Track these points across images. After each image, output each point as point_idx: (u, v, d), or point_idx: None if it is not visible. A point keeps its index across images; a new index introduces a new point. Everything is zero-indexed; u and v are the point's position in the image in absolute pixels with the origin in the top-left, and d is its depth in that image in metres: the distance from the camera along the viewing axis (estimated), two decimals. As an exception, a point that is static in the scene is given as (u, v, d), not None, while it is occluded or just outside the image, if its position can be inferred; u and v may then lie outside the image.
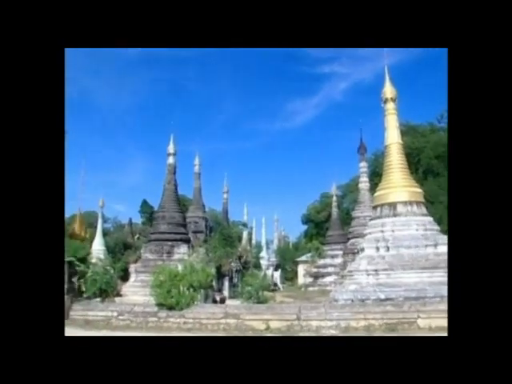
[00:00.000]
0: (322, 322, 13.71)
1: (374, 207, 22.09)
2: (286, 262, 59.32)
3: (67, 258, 17.83)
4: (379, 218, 21.06)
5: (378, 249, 19.85)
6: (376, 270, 18.95)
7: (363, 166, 38.36)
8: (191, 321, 14.62)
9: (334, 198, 45.43)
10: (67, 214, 59.04)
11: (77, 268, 18.14)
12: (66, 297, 16.50)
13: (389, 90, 21.97)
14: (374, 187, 29.24)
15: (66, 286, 16.70)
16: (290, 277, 56.90)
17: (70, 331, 14.52)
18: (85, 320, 15.90)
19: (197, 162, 42.29)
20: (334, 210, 44.55)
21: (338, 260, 38.49)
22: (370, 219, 22.52)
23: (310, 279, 42.06)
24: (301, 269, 50.83)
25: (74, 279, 17.63)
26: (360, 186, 38.62)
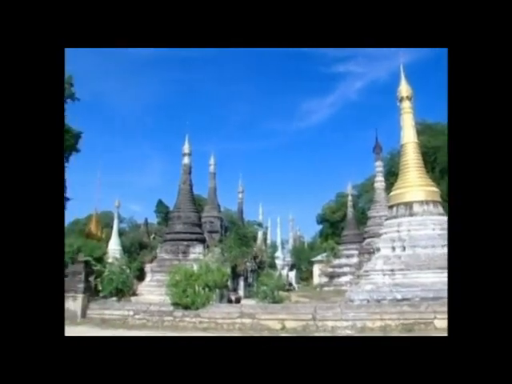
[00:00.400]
0: (338, 323, 13.65)
1: (390, 207, 21.92)
2: (301, 261, 59.22)
3: (84, 258, 18.01)
4: (395, 217, 20.89)
5: (394, 248, 19.70)
6: (392, 270, 18.81)
7: (379, 166, 38.11)
8: (206, 320, 14.64)
9: (350, 198, 45.22)
10: (84, 215, 59.61)
11: (93, 267, 18.27)
12: (82, 296, 16.68)
13: (404, 89, 21.79)
14: (389, 187, 29.05)
15: (82, 285, 16.87)
16: (305, 277, 56.78)
17: (86, 330, 14.76)
18: (101, 319, 16.04)
19: (212, 161, 42.35)
20: (350, 210, 44.35)
21: (354, 260, 38.30)
22: (386, 219, 22.35)
23: (325, 279, 41.97)
24: (316, 269, 50.76)
25: (91, 278, 17.74)
26: (376, 185, 38.38)
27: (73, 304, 16.70)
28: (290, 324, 13.90)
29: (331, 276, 40.60)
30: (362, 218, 45.11)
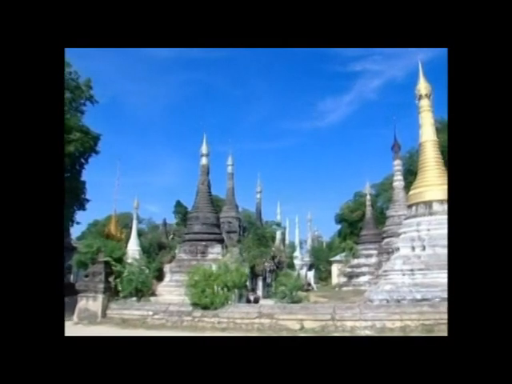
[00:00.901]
0: (357, 323, 13.57)
1: (409, 206, 21.72)
2: (320, 261, 59.06)
3: (104, 258, 18.15)
4: (414, 216, 20.70)
5: (413, 248, 19.53)
6: (412, 270, 18.64)
7: (397, 164, 37.82)
8: (225, 320, 14.67)
9: (368, 197, 44.95)
10: (103, 216, 60.24)
11: (113, 268, 18.39)
12: (102, 296, 16.84)
13: (423, 87, 21.56)
14: (408, 186, 28.78)
15: (102, 286, 17.03)
16: (323, 277, 56.62)
17: (106, 330, 14.90)
18: (121, 319, 16.18)
19: (230, 162, 42.37)
20: (368, 209, 44.09)
21: (373, 260, 38.09)
22: (405, 218, 22.16)
23: (343, 279, 41.82)
24: (335, 268, 50.60)
25: (111, 279, 17.88)
26: (394, 184, 38.09)
27: (93, 304, 16.88)
28: (308, 324, 13.86)
29: (350, 276, 40.43)
30: (381, 218, 44.79)
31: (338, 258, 50.74)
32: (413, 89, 22.03)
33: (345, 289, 37.84)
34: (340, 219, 66.43)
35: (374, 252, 38.25)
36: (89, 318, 16.54)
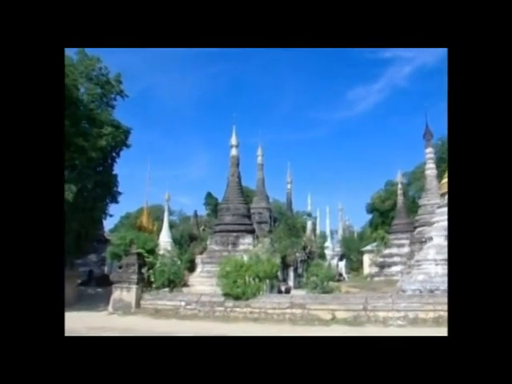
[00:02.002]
0: (390, 313, 13.51)
1: (442, 194, 21.41)
2: (351, 251, 58.72)
3: (136, 250, 18.47)
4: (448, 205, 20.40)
5: (446, 237, 19.26)
6: (445, 260, 18.39)
7: (429, 152, 37.12)
8: (257, 311, 14.80)
9: (400, 186, 44.36)
10: (135, 208, 61.06)
11: (146, 259, 18.72)
12: (136, 287, 17.16)
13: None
14: (441, 174, 28.33)
15: (136, 277, 17.35)
16: (355, 267, 56.32)
17: (140, 320, 15.20)
18: (154, 309, 16.48)
19: (260, 152, 42.29)
20: (400, 199, 43.54)
21: (405, 249, 37.64)
22: (438, 207, 21.85)
23: (375, 269, 41.42)
24: (366, 259, 50.24)
25: (144, 270, 18.21)
26: (426, 172, 37.44)
27: (127, 295, 17.23)
28: (340, 314, 13.87)
29: (382, 266, 40.08)
30: (413, 207, 44.15)
31: (369, 247, 50.37)
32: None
33: (376, 279, 37.58)
34: (371, 209, 65.84)
35: (406, 242, 37.78)
36: (123, 309, 16.90)
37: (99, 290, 25.98)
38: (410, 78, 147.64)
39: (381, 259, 41.19)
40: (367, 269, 47.68)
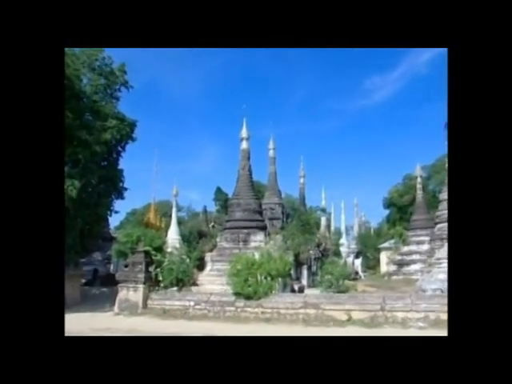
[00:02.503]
0: (409, 314, 13.37)
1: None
2: (368, 249, 58.50)
3: (143, 248, 18.45)
4: (470, 200, 20.13)
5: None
6: (467, 257, 18.18)
7: (451, 144, 36.75)
8: (269, 311, 14.74)
9: (419, 180, 43.90)
10: (141, 204, 61.33)
11: (153, 257, 18.69)
12: (143, 286, 17.15)
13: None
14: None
15: (143, 276, 17.35)
16: (371, 265, 56.12)
17: (147, 320, 15.19)
18: (162, 309, 16.47)
19: (271, 145, 42.09)
20: (419, 193, 43.13)
21: (425, 247, 37.34)
22: (460, 202, 21.56)
23: (393, 267, 41.17)
24: (383, 256, 50.00)
25: (151, 268, 18.18)
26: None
27: (134, 294, 17.23)
28: (356, 315, 13.76)
29: (400, 264, 39.82)
30: (433, 202, 43.78)
31: (386, 244, 50.11)
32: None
33: (395, 278, 37.37)
34: (389, 204, 65.56)
35: (426, 238, 37.47)
36: (130, 309, 16.91)
37: (104, 289, 26.04)
38: (430, 66, 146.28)
39: (399, 257, 40.94)
40: (384, 267, 47.44)
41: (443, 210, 34.38)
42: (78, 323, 13.01)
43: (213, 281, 24.99)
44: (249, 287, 15.31)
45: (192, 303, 16.20)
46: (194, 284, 23.00)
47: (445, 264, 19.12)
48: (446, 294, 16.00)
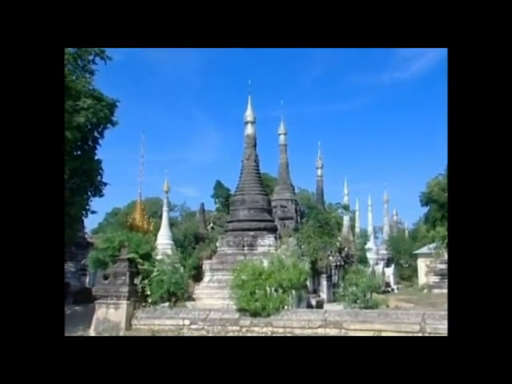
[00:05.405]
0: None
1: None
2: (401, 255, 58.62)
3: (128, 255, 18.41)
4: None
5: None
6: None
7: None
8: (281, 330, 14.69)
9: (465, 171, 43.90)
10: (125, 203, 61.63)
11: (139, 266, 18.63)
12: (126, 302, 17.11)
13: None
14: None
15: (126, 290, 17.29)
16: (406, 275, 56.25)
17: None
18: (150, 330, 16.40)
19: (282, 130, 42.18)
20: (465, 186, 43.09)
21: (472, 252, 37.28)
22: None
23: (434, 278, 41.21)
24: (422, 264, 50.03)
25: (137, 280, 18.09)
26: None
27: (114, 313, 17.14)
28: (388, 336, 13.70)
29: (442, 275, 39.68)
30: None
31: (425, 250, 50.11)
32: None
33: (436, 291, 37.34)
34: (427, 200, 65.22)
35: (474, 242, 37.43)
36: (109, 331, 16.78)
37: (77, 308, 25.96)
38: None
39: (441, 265, 40.80)
40: (423, 278, 47.53)
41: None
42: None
43: (212, 294, 25.10)
44: (256, 302, 15.27)
45: (187, 322, 16.15)
46: (190, 298, 23.03)
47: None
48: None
